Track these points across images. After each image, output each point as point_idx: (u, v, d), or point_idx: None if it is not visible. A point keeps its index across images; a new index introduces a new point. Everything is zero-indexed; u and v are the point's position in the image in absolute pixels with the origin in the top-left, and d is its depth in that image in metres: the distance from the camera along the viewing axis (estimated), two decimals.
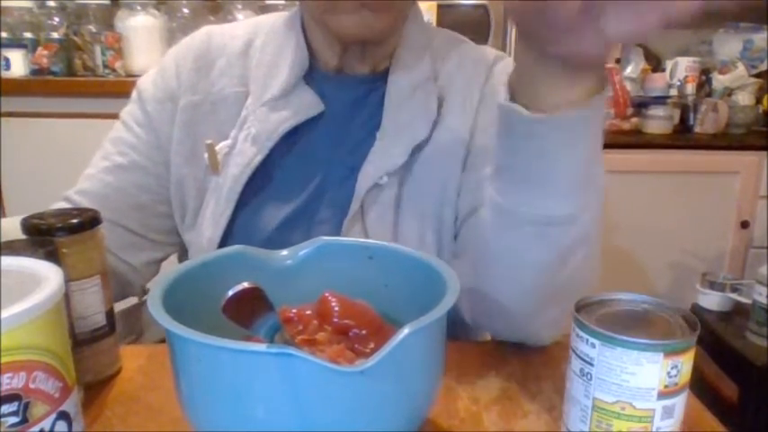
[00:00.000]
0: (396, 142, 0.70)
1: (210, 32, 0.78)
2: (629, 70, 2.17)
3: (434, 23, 1.94)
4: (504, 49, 2.00)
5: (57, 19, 1.98)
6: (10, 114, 1.83)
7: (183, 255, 0.80)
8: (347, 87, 0.73)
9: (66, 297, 0.52)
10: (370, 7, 0.63)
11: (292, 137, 0.72)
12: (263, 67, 0.72)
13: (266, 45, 0.74)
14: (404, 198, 0.71)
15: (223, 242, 0.71)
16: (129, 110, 0.78)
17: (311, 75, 0.73)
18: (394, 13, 0.67)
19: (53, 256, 0.50)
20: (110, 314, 0.58)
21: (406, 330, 0.38)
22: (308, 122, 0.71)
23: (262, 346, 0.37)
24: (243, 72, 0.74)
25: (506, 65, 0.76)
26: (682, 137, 2.00)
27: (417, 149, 0.71)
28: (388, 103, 0.71)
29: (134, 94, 0.78)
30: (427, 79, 0.72)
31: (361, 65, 0.73)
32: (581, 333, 0.44)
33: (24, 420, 0.38)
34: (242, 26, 0.79)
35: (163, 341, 0.78)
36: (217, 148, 0.72)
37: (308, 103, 0.71)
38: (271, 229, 0.71)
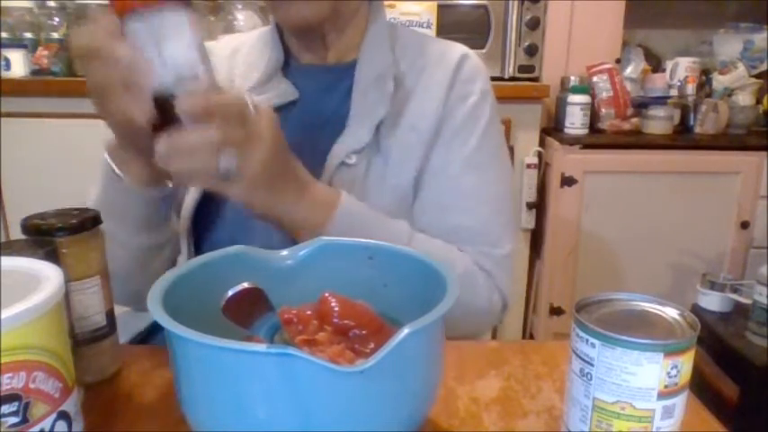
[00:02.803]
0: (362, 125, 0.76)
1: None
2: (629, 70, 2.17)
3: (434, 23, 1.94)
4: (504, 48, 2.00)
5: (57, 19, 1.98)
6: (10, 114, 1.83)
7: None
8: (317, 75, 0.81)
9: (67, 297, 0.52)
10: None
11: None
12: (247, 64, 0.81)
13: (250, 50, 0.83)
14: (370, 177, 0.75)
15: (195, 222, 0.77)
16: None
17: (288, 69, 0.81)
18: (325, 3, 0.72)
19: (53, 256, 0.50)
20: (110, 314, 0.58)
21: (405, 330, 0.38)
22: (283, 111, 0.77)
23: (262, 346, 0.37)
24: (229, 71, 0.82)
25: (471, 68, 0.81)
26: (682, 137, 2.00)
27: (381, 129, 0.76)
28: (356, 91, 0.77)
29: None
30: (389, 67, 0.78)
31: (325, 54, 0.80)
32: (581, 333, 0.44)
33: (24, 420, 0.38)
34: (229, 39, 0.90)
35: (132, 341, 0.79)
36: None
37: (282, 90, 0.79)
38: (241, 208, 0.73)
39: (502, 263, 0.76)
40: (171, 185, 0.69)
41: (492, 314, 0.75)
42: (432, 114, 0.77)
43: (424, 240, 0.72)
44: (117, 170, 0.65)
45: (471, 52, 0.83)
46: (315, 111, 0.79)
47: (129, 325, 0.82)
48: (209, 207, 0.77)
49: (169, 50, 0.51)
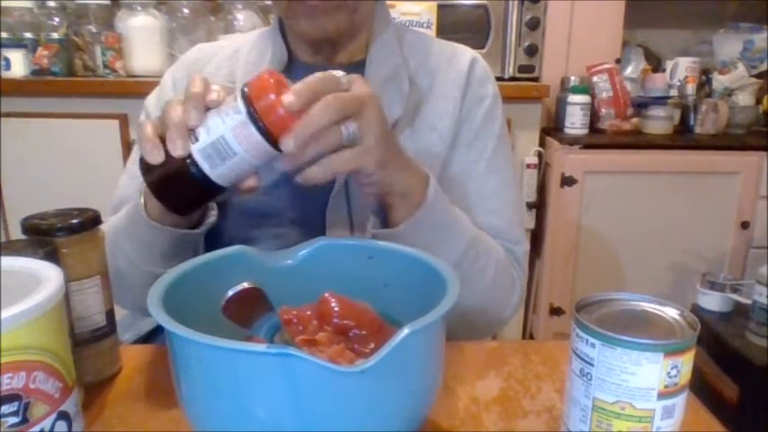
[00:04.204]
0: None
1: (201, 47, 0.88)
2: (629, 70, 2.17)
3: (434, 23, 1.93)
4: (504, 48, 2.00)
5: (57, 19, 1.97)
6: (10, 114, 1.83)
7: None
8: None
9: (66, 297, 0.52)
10: (320, 9, 0.71)
11: None
12: (249, 64, 0.80)
13: (251, 50, 0.82)
14: None
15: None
16: None
17: (292, 69, 0.80)
18: (344, 14, 0.73)
19: (53, 256, 0.50)
20: (110, 314, 0.58)
21: (406, 330, 0.38)
22: None
23: (262, 346, 0.37)
24: (231, 71, 0.81)
25: (483, 71, 0.83)
26: (682, 137, 2.00)
27: (397, 128, 0.75)
28: None
29: (142, 113, 0.86)
30: (399, 66, 0.78)
31: (333, 55, 0.80)
32: (581, 333, 0.44)
33: (24, 420, 0.38)
34: (230, 38, 0.89)
35: (137, 341, 0.79)
36: None
37: None
38: (252, 199, 0.72)
39: (521, 260, 0.80)
40: (197, 230, 0.67)
41: (514, 307, 0.78)
42: (448, 116, 0.78)
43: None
44: (143, 210, 0.63)
45: (478, 55, 0.84)
46: None
47: (133, 325, 0.82)
48: (216, 228, 0.75)
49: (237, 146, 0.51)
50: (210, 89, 0.53)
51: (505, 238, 0.78)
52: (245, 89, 0.51)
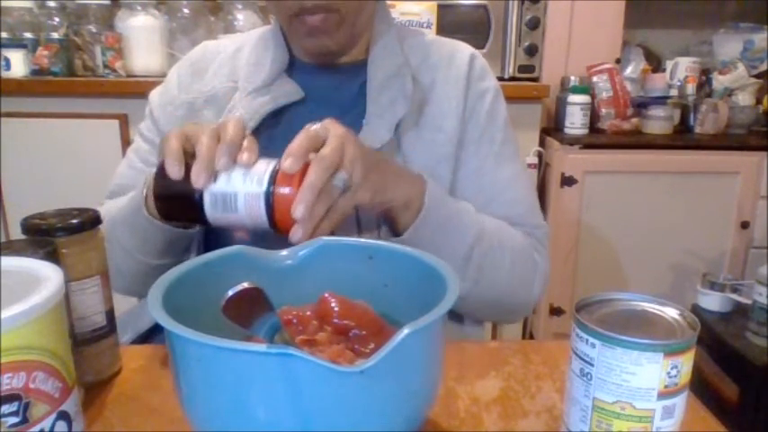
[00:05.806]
0: (380, 123, 0.76)
1: (206, 44, 0.90)
2: (629, 70, 2.17)
3: (434, 23, 1.94)
4: (504, 48, 2.00)
5: (57, 19, 1.98)
6: (10, 114, 1.83)
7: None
8: (326, 75, 0.81)
9: (66, 297, 0.52)
10: (321, 29, 0.73)
11: (276, 122, 0.78)
12: (250, 65, 0.81)
13: (253, 49, 0.83)
14: None
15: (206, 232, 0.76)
16: (144, 123, 0.88)
17: (293, 69, 0.82)
18: (344, 30, 0.75)
19: (53, 256, 0.50)
20: (110, 314, 0.58)
21: (405, 330, 0.38)
22: (291, 109, 0.78)
23: (262, 346, 0.37)
24: (232, 70, 0.82)
25: (481, 66, 0.84)
26: (682, 137, 2.00)
27: (401, 127, 0.77)
28: (371, 90, 0.78)
29: (147, 108, 0.88)
30: (402, 66, 0.79)
31: (338, 60, 0.81)
32: (581, 333, 0.44)
33: (24, 420, 0.38)
34: (233, 37, 0.91)
35: (135, 341, 0.80)
36: None
37: (287, 91, 0.79)
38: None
39: (544, 242, 0.82)
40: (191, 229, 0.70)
41: (542, 286, 0.80)
42: (453, 113, 0.79)
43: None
44: (143, 204, 0.66)
45: (475, 50, 0.85)
46: (324, 110, 0.78)
47: (131, 324, 0.82)
48: (217, 228, 0.77)
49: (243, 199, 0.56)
50: (246, 147, 0.57)
51: (527, 224, 0.80)
52: (277, 169, 0.56)
